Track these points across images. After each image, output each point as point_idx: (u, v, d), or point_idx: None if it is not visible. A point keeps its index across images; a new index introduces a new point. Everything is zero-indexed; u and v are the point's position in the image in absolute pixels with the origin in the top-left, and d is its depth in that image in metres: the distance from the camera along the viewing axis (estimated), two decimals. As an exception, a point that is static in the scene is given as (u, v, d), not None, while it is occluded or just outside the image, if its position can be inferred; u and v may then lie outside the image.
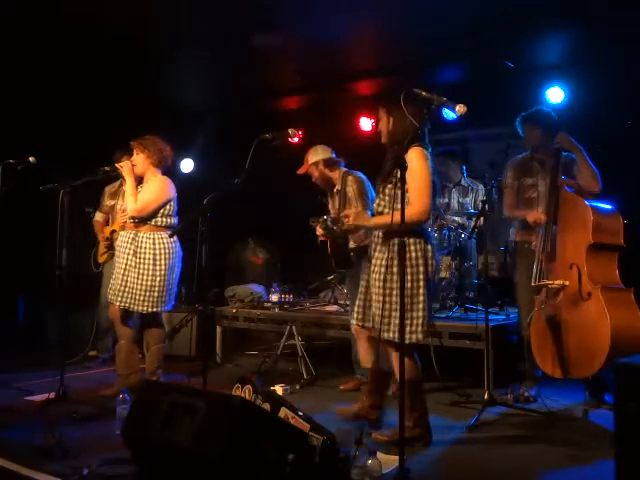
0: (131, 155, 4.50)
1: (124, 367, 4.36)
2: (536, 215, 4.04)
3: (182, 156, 6.82)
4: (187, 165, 7.02)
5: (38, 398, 4.26)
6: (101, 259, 5.57)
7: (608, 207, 3.86)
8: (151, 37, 5.24)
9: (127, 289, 4.26)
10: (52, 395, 4.10)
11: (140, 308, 4.28)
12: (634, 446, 2.37)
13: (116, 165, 4.41)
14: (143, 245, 4.29)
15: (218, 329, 5.93)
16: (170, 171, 4.60)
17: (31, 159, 4.95)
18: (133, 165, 4.40)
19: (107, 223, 5.58)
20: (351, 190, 4.48)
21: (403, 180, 2.89)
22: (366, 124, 6.77)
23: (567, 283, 3.75)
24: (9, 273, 5.86)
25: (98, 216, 5.67)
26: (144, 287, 4.25)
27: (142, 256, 4.27)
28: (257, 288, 6.11)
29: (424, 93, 3.03)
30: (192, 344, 5.55)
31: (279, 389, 4.48)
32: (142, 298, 4.26)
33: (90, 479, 2.92)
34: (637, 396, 2.37)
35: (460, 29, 5.09)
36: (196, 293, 4.63)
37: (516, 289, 4.36)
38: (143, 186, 4.41)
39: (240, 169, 3.45)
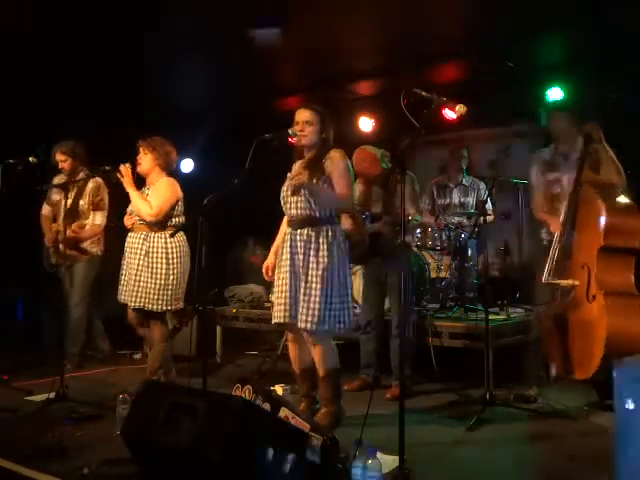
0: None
1: (151, 367, 4.42)
2: (557, 226, 3.97)
3: (182, 156, 6.82)
4: (187, 165, 7.02)
5: (38, 398, 4.25)
6: (54, 260, 5.29)
7: (629, 207, 3.75)
8: (151, 37, 5.24)
9: (140, 289, 4.28)
10: (52, 395, 4.10)
11: (155, 307, 4.29)
12: (634, 446, 2.37)
13: (118, 173, 4.35)
14: (155, 245, 4.31)
15: (218, 329, 5.93)
16: (172, 172, 4.62)
17: (31, 159, 4.96)
18: (138, 164, 4.42)
19: (54, 219, 5.36)
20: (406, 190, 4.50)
21: (403, 179, 2.93)
22: (366, 124, 6.78)
23: (577, 283, 3.72)
24: (9, 273, 5.86)
25: (45, 209, 5.40)
26: (158, 286, 4.28)
27: (155, 256, 4.29)
28: (257, 288, 6.11)
29: (424, 93, 3.03)
30: (192, 344, 5.54)
31: (279, 389, 4.48)
32: (156, 297, 4.28)
33: (90, 479, 2.92)
34: (637, 396, 2.37)
35: (460, 29, 5.09)
36: (196, 293, 4.63)
37: (535, 286, 4.22)
38: (150, 188, 4.40)
39: (240, 169, 3.45)
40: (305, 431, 2.86)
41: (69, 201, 5.11)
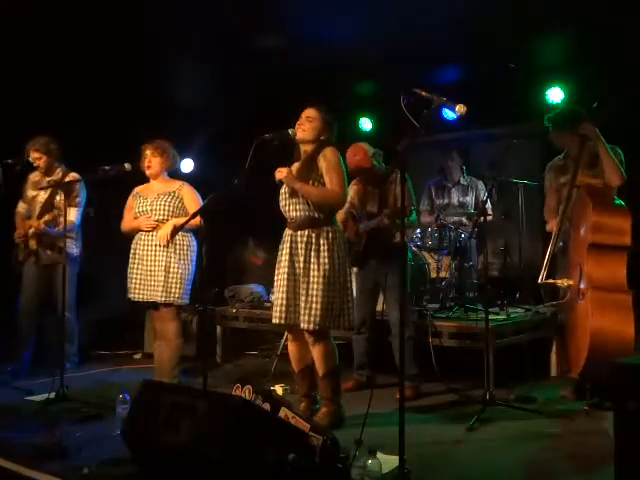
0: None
1: (169, 364, 4.46)
2: (552, 225, 4.05)
3: (182, 156, 6.81)
4: (187, 165, 7.01)
5: (38, 398, 4.25)
6: (21, 257, 5.17)
7: (617, 205, 3.76)
8: (151, 37, 5.25)
9: (169, 285, 4.38)
10: (52, 395, 4.10)
11: (181, 301, 4.44)
12: (634, 446, 2.37)
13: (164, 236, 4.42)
14: (181, 243, 4.46)
15: (218, 329, 5.93)
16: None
17: (31, 159, 4.96)
18: (148, 167, 4.49)
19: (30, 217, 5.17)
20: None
21: (403, 179, 2.93)
22: (366, 124, 6.79)
23: (571, 283, 3.75)
24: (9, 272, 5.85)
25: (21, 207, 5.23)
26: (184, 282, 4.43)
27: (182, 252, 4.45)
28: (257, 288, 6.11)
29: (424, 93, 3.04)
30: (192, 344, 5.55)
31: (279, 389, 4.49)
32: (182, 292, 4.42)
33: (90, 479, 2.92)
34: (637, 396, 2.37)
35: (460, 29, 5.10)
36: (196, 293, 4.65)
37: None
38: (171, 194, 4.48)
39: (240, 169, 3.45)
40: (305, 431, 2.86)
41: (45, 197, 5.06)
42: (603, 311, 3.54)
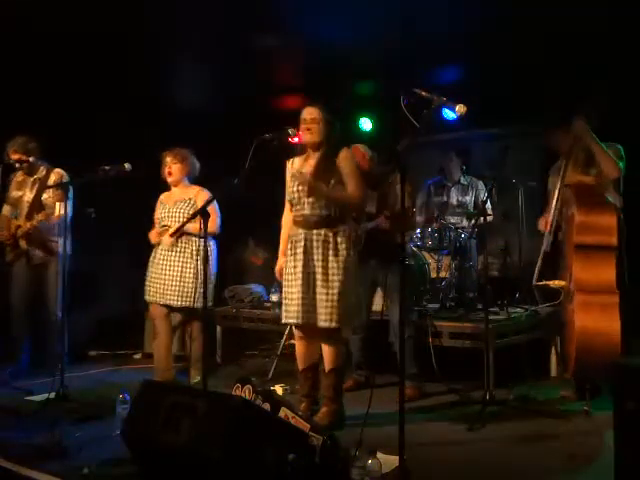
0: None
1: (164, 361, 4.60)
2: (542, 223, 4.10)
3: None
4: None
5: (38, 398, 4.25)
6: (8, 258, 5.03)
7: (604, 204, 3.75)
8: (151, 37, 5.24)
9: (186, 289, 4.53)
10: (52, 395, 4.10)
11: (198, 305, 4.50)
12: (633, 446, 2.37)
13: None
14: (196, 247, 4.56)
15: (218, 329, 5.93)
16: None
17: (31, 159, 4.95)
18: (169, 174, 4.65)
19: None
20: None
21: (404, 179, 2.92)
22: (366, 124, 6.78)
23: (563, 284, 3.77)
24: (9, 272, 5.85)
25: (5, 209, 5.10)
26: (199, 287, 4.47)
27: (197, 257, 4.53)
28: (257, 288, 6.11)
29: (424, 93, 3.04)
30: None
31: (279, 389, 4.49)
32: (197, 296, 4.50)
33: (90, 479, 2.92)
34: (636, 396, 2.38)
35: (460, 29, 5.09)
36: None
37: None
38: (191, 200, 4.64)
39: (240, 169, 3.45)
40: (305, 431, 2.86)
41: (31, 196, 4.98)
42: (587, 313, 3.56)
